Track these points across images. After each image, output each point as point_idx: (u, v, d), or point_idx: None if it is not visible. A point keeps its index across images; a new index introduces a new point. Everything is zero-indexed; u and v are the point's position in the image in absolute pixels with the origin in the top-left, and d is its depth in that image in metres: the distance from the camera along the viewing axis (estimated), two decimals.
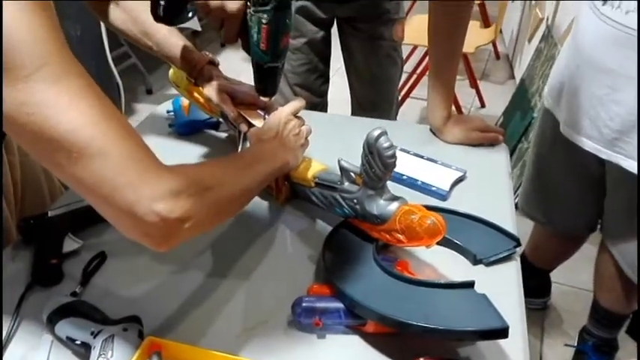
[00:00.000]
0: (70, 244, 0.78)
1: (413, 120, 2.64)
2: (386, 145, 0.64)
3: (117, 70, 2.32)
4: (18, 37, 0.43)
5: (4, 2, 0.43)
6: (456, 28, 0.99)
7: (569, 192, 1.30)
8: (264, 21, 0.66)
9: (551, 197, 1.36)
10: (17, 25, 0.43)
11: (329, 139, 0.94)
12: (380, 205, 0.68)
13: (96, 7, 0.87)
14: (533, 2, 2.76)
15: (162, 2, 0.71)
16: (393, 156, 0.64)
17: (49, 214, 0.81)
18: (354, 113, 1.52)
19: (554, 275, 1.64)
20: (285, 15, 0.67)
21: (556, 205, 1.36)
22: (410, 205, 0.68)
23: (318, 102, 1.46)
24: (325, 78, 1.44)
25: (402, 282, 0.65)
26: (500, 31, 3.45)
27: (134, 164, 0.49)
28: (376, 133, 0.64)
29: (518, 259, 0.76)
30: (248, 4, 0.67)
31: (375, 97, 1.47)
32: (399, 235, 0.67)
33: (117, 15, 0.86)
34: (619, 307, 1.35)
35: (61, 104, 0.45)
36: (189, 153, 1.00)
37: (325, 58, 1.41)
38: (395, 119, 1.56)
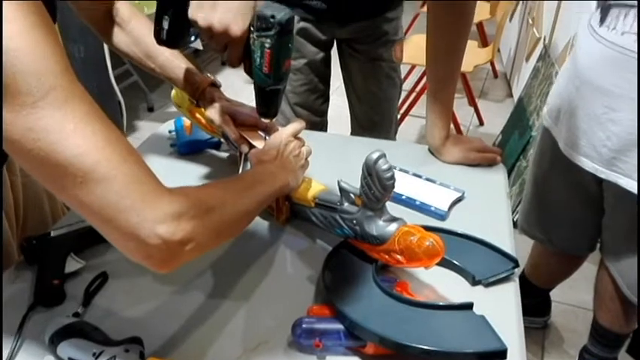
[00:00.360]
0: (72, 264, 0.78)
1: (412, 137, 2.66)
2: (384, 167, 0.65)
3: (119, 88, 2.35)
4: (24, 65, 0.44)
5: (10, 30, 0.44)
6: (454, 50, 1.01)
7: (568, 211, 1.31)
8: (266, 45, 0.68)
9: (550, 216, 1.36)
10: (23, 54, 0.44)
11: (329, 158, 0.95)
12: (379, 226, 0.69)
13: (100, 30, 0.89)
14: (531, 22, 2.79)
15: (165, 26, 0.73)
16: (392, 178, 0.65)
17: (52, 234, 0.81)
18: (353, 132, 1.54)
19: (555, 294, 1.64)
20: (287, 40, 0.69)
21: (555, 224, 1.37)
22: (409, 226, 0.69)
23: (318, 121, 1.47)
24: (325, 97, 1.46)
25: (401, 303, 0.66)
26: (498, 50, 3.50)
27: (137, 187, 0.50)
28: (375, 155, 0.65)
29: (517, 279, 0.77)
30: (251, 28, 0.68)
31: (374, 117, 1.48)
32: (398, 256, 0.68)
33: (120, 38, 0.88)
34: (619, 327, 1.35)
35: (66, 130, 0.46)
36: (191, 172, 1.01)
37: (325, 79, 1.43)
38: (394, 137, 1.58)
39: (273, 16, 0.66)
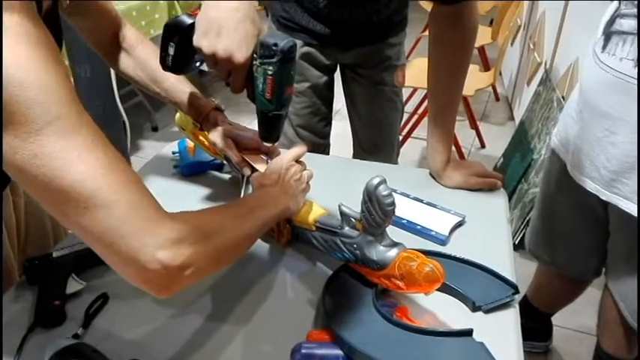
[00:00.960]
0: (73, 285, 0.79)
1: (414, 159, 2.67)
2: (385, 193, 0.65)
3: (123, 108, 2.37)
4: (30, 95, 0.46)
5: (16, 59, 0.45)
6: (455, 78, 1.02)
7: (574, 233, 1.31)
8: (269, 72, 0.69)
9: (557, 237, 1.36)
10: (29, 83, 0.46)
11: (330, 181, 0.96)
12: (379, 251, 0.70)
13: (106, 55, 0.90)
14: (532, 46, 2.82)
15: (170, 53, 0.75)
16: (392, 204, 0.66)
17: (54, 254, 0.82)
18: (356, 154, 1.55)
19: (557, 318, 1.62)
20: (289, 67, 0.70)
21: (561, 246, 1.36)
22: (409, 251, 0.69)
23: (320, 143, 1.48)
24: (328, 120, 1.48)
25: (401, 329, 0.66)
26: (500, 74, 3.53)
27: (138, 213, 0.50)
28: (375, 181, 0.66)
29: (517, 306, 0.77)
30: (254, 56, 0.70)
31: (376, 140, 1.49)
32: (398, 282, 0.68)
33: (127, 63, 0.89)
34: (622, 353, 1.33)
35: (70, 157, 0.47)
36: (194, 193, 1.02)
37: (328, 102, 1.44)
38: (396, 160, 1.58)
39: (275, 44, 0.67)
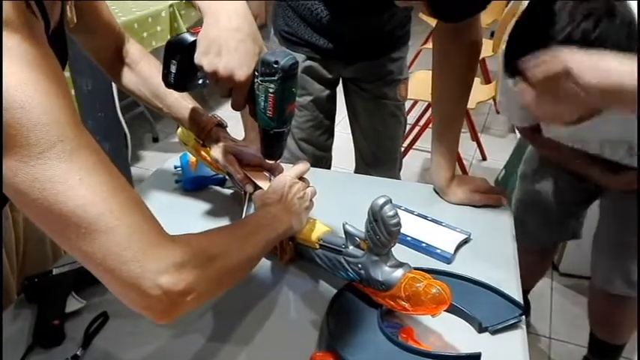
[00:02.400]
0: (73, 303, 0.77)
1: (416, 170, 2.66)
2: (390, 213, 0.64)
3: (124, 118, 2.37)
4: (32, 117, 0.45)
5: (17, 81, 0.44)
6: (459, 93, 1.02)
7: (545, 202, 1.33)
8: (270, 90, 0.69)
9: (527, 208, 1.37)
10: (31, 106, 0.45)
11: (333, 197, 0.95)
12: (385, 272, 0.69)
13: (109, 70, 0.90)
14: None
15: (172, 70, 0.74)
16: (398, 224, 0.65)
17: (54, 272, 0.81)
18: (358, 167, 1.54)
19: (564, 335, 1.61)
20: (290, 85, 0.70)
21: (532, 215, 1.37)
22: (415, 272, 0.68)
23: (322, 156, 1.48)
24: (330, 133, 1.47)
25: (407, 352, 0.64)
26: None
27: (140, 238, 0.50)
28: (381, 201, 0.65)
29: (524, 327, 0.75)
30: (256, 73, 0.69)
31: (379, 153, 1.49)
32: (404, 303, 0.67)
33: (129, 78, 0.89)
34: (615, 339, 1.40)
35: (71, 181, 0.46)
36: (196, 208, 1.01)
37: (330, 115, 1.44)
38: (399, 174, 1.58)
39: (276, 62, 0.66)
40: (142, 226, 0.50)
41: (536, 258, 1.49)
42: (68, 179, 0.46)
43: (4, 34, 0.45)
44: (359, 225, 0.72)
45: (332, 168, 1.57)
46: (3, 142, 0.44)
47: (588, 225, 1.36)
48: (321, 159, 1.47)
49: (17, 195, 0.46)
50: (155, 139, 3.01)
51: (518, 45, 0.75)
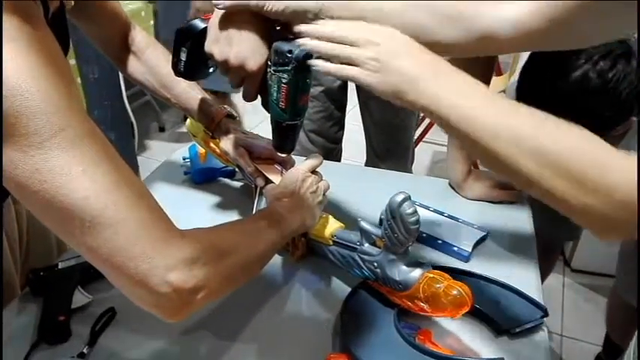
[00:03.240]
0: (79, 298, 0.75)
1: (425, 163, 2.63)
2: (409, 211, 0.62)
3: (131, 108, 2.35)
4: (33, 105, 0.42)
5: (18, 68, 0.42)
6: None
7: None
8: (284, 80, 0.65)
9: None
10: (32, 93, 0.42)
11: (344, 191, 0.92)
12: (402, 271, 0.66)
13: (115, 59, 0.87)
14: None
15: (182, 58, 0.71)
16: (417, 222, 0.62)
17: (60, 265, 0.79)
18: (369, 160, 1.51)
19: (576, 332, 1.59)
20: (304, 75, 0.66)
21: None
22: (434, 272, 0.65)
23: (332, 148, 1.45)
24: (340, 125, 1.44)
25: (425, 355, 0.62)
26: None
27: (148, 233, 0.47)
28: (399, 198, 0.62)
29: (546, 329, 0.72)
30: (268, 62, 0.66)
31: (390, 145, 1.46)
32: (423, 304, 0.64)
33: (136, 67, 0.86)
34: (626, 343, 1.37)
35: (74, 172, 0.44)
36: (204, 201, 0.99)
37: (341, 106, 1.41)
38: (411, 166, 1.55)
39: (290, 51, 0.63)
40: (150, 220, 0.47)
41: (540, 255, 1.47)
42: (71, 170, 0.43)
43: (4, 17, 0.42)
44: (371, 218, 0.68)
45: (342, 160, 1.54)
46: (2, 131, 0.42)
47: None
48: (332, 151, 1.44)
49: (17, 187, 0.44)
50: (161, 129, 2.98)
51: (531, 82, 0.74)
